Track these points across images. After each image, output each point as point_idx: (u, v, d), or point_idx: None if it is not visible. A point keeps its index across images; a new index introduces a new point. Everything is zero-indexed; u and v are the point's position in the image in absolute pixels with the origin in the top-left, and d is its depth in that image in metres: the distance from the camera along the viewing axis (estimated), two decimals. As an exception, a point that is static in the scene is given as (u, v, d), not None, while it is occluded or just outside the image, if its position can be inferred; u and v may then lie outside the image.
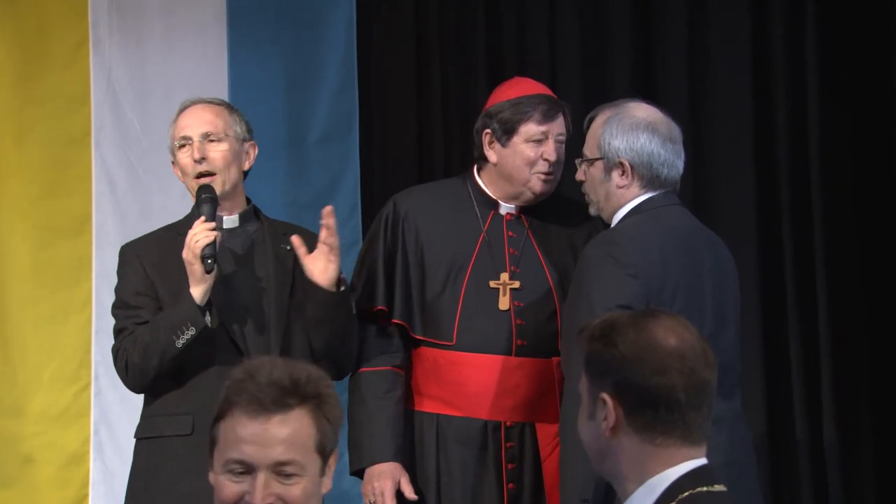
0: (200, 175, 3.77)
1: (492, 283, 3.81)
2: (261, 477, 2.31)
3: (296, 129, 4.96)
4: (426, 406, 3.82)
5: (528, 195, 3.84)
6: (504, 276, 3.82)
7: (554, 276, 3.84)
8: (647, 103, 3.68)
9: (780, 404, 4.67)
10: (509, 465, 3.77)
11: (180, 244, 3.75)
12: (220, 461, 2.35)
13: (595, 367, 2.37)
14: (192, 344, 3.66)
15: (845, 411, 4.61)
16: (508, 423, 3.78)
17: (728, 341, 3.55)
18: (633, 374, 2.33)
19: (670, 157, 3.59)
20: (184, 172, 3.80)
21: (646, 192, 3.60)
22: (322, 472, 2.38)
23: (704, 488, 2.34)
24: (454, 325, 3.79)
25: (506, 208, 3.89)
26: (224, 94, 4.80)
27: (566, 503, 3.45)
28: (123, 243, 4.89)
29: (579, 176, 3.69)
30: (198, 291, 3.65)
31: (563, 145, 3.83)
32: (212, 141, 3.79)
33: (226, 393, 2.36)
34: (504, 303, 3.80)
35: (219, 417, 2.36)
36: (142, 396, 4.85)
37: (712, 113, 4.78)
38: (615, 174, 3.60)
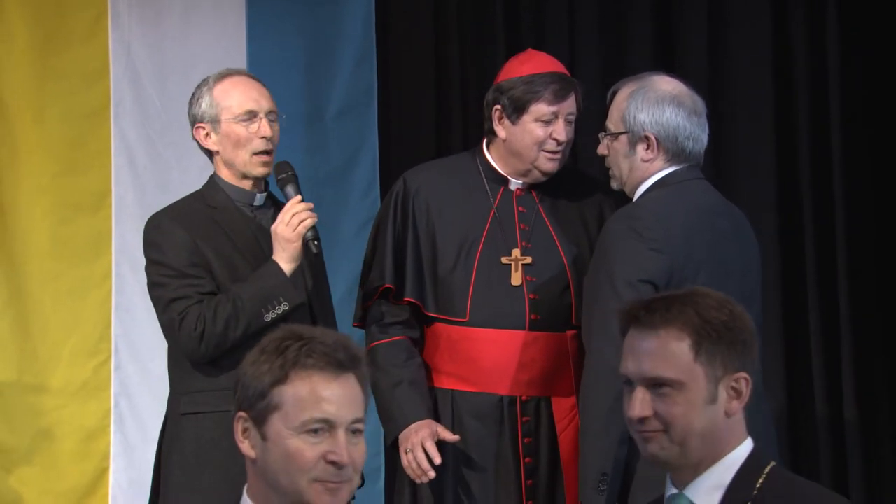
0: (261, 152, 3.76)
1: (504, 259, 3.80)
2: (341, 434, 2.35)
3: (314, 104, 4.96)
4: (440, 382, 3.82)
5: (536, 173, 3.83)
6: (516, 252, 3.81)
7: (566, 250, 3.83)
8: (671, 76, 3.65)
9: (799, 381, 4.66)
10: (525, 440, 3.77)
11: (218, 217, 3.76)
12: (294, 423, 2.36)
13: (723, 351, 2.40)
14: None
15: (865, 388, 4.59)
16: (524, 398, 3.78)
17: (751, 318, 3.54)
18: (755, 352, 2.43)
19: (695, 131, 3.57)
20: (238, 144, 3.77)
21: (670, 166, 3.58)
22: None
23: (773, 462, 2.44)
24: (467, 301, 3.78)
25: (515, 184, 3.88)
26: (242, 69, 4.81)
27: (585, 477, 3.45)
28: (143, 217, 4.92)
29: (602, 150, 3.67)
30: (289, 268, 3.66)
31: (573, 124, 3.82)
32: (272, 120, 3.80)
33: (287, 356, 2.37)
34: (517, 278, 3.79)
35: (277, 382, 2.37)
36: (164, 371, 4.91)
37: (732, 93, 4.75)
38: (640, 148, 3.58)
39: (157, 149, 4.96)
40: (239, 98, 3.78)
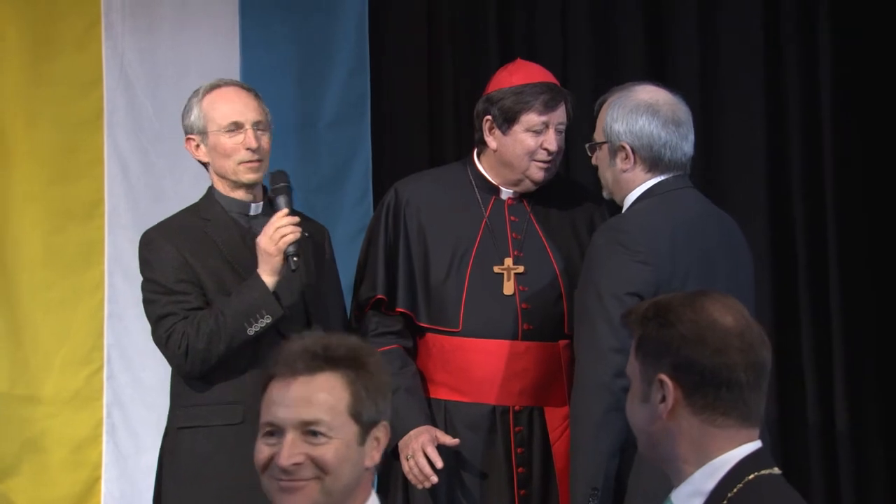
0: (247, 161, 3.76)
1: (496, 269, 3.80)
2: (288, 437, 2.37)
3: (307, 113, 4.95)
4: (433, 392, 3.81)
5: (527, 183, 3.83)
6: (508, 261, 3.81)
7: (558, 259, 3.83)
8: (656, 85, 3.62)
9: (792, 390, 4.66)
10: (518, 450, 3.77)
11: (210, 230, 3.77)
12: (260, 428, 2.42)
13: (651, 349, 2.32)
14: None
15: (857, 397, 4.59)
16: (517, 408, 3.78)
17: None
18: (693, 354, 2.28)
19: (672, 139, 3.54)
20: (225, 154, 3.77)
21: (654, 176, 3.55)
22: (361, 441, 2.41)
23: (766, 471, 2.31)
24: (460, 311, 3.78)
25: (506, 193, 3.88)
26: (235, 78, 4.80)
27: (576, 492, 3.43)
28: (136, 226, 4.91)
29: (594, 160, 3.66)
30: (271, 281, 3.66)
31: (564, 134, 3.82)
32: (260, 130, 3.79)
33: (267, 366, 2.45)
34: (509, 287, 3.79)
35: (262, 391, 2.44)
36: (157, 381, 4.88)
37: (723, 100, 4.75)
38: (619, 158, 3.56)
39: (150, 158, 4.96)
40: (224, 110, 3.78)
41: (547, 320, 3.78)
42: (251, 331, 3.65)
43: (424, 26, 5.02)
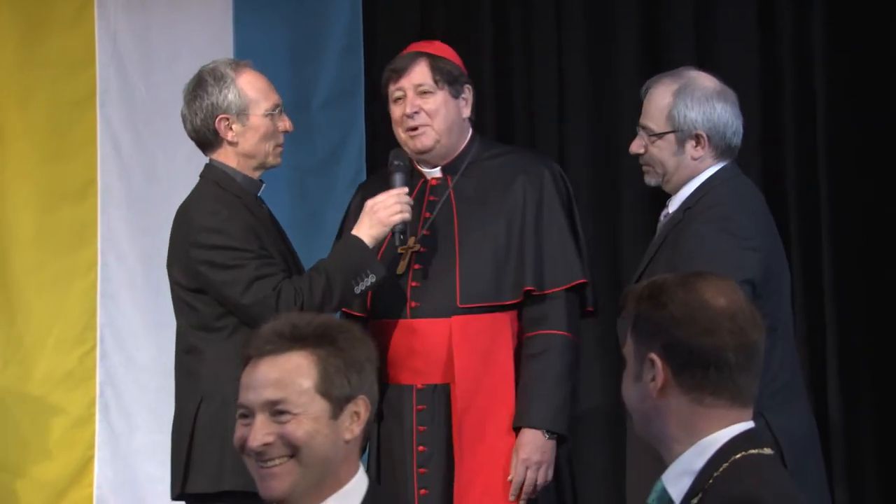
0: (280, 145, 3.75)
1: (399, 249, 3.77)
2: (257, 419, 2.40)
3: (300, 94, 4.92)
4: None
5: (413, 154, 3.82)
6: (411, 240, 3.78)
7: (464, 235, 3.78)
8: (697, 70, 3.59)
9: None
10: (420, 428, 3.76)
11: (248, 205, 3.69)
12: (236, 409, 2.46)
13: (643, 328, 2.34)
14: None
15: (849, 389, 4.59)
16: (419, 386, 3.77)
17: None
18: (683, 334, 2.30)
19: (739, 126, 3.54)
20: (265, 137, 3.69)
21: (717, 162, 3.52)
22: (334, 416, 2.40)
23: (755, 451, 2.31)
24: (368, 293, 3.76)
25: (431, 174, 3.86)
26: (230, 57, 4.79)
27: None
28: (129, 206, 4.92)
29: (636, 148, 3.57)
30: (371, 244, 3.66)
31: (433, 94, 3.78)
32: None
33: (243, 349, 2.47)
34: (402, 267, 3.78)
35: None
36: (149, 360, 4.89)
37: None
38: (689, 146, 3.50)
39: (143, 137, 4.96)
40: (266, 91, 3.71)
41: (436, 297, 3.74)
42: (358, 289, 3.62)
43: (418, 6, 5.01)
